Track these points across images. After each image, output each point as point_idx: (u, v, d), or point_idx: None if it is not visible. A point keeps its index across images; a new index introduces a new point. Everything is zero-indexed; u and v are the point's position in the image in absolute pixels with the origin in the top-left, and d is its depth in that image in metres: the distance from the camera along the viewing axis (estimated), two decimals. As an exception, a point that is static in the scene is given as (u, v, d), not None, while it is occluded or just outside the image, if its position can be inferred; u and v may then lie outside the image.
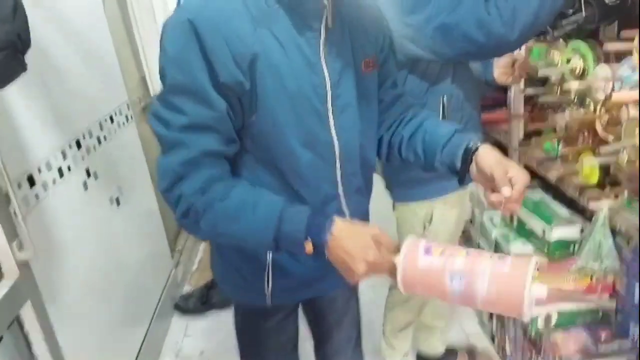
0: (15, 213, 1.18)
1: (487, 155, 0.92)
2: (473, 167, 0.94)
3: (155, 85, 2.81)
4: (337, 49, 0.93)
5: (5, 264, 1.16)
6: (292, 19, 0.87)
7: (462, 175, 0.97)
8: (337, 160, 0.99)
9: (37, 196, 1.37)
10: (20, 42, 0.87)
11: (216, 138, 0.86)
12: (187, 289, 2.67)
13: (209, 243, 1.20)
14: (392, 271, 0.82)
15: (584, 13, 1.29)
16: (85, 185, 1.66)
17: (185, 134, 0.84)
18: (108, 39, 2.05)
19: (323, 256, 0.84)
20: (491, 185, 0.89)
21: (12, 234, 1.16)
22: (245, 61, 0.83)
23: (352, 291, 1.31)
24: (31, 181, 1.36)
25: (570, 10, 1.33)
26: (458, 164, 0.96)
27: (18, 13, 0.85)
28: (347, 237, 0.83)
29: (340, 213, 1.03)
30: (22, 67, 0.93)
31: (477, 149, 0.94)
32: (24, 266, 1.22)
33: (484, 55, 1.36)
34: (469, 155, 0.94)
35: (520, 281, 0.73)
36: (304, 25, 0.88)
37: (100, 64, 1.92)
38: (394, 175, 1.53)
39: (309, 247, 0.83)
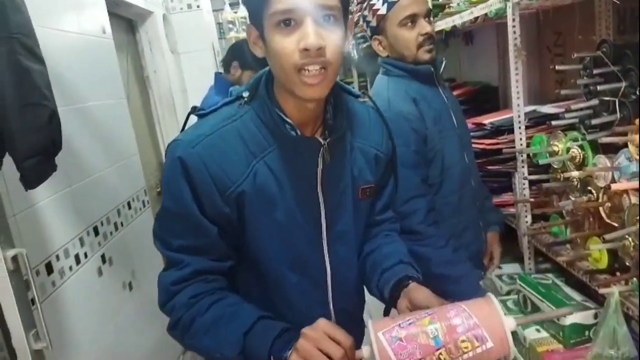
0: (33, 301, 1.21)
1: (419, 290, 0.90)
2: (402, 302, 0.91)
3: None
4: (335, 181, 0.96)
5: (21, 353, 1.18)
6: (289, 155, 0.91)
7: (391, 304, 0.96)
8: (329, 283, 1.02)
9: (53, 283, 1.41)
10: (53, 146, 0.95)
11: (208, 258, 0.91)
12: (195, 375, 2.60)
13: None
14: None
15: (618, 114, 1.28)
16: (99, 271, 1.69)
17: (180, 254, 0.90)
18: (131, 132, 2.17)
19: None
20: None
21: (30, 324, 1.18)
22: (231, 197, 0.88)
23: None
24: (49, 268, 1.40)
25: (604, 113, 1.33)
26: (387, 294, 0.96)
27: (54, 120, 0.94)
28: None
29: None
30: (53, 168, 1.00)
31: (408, 284, 0.93)
32: (38, 355, 1.23)
33: None
34: (400, 286, 0.93)
35: (499, 330, 0.73)
36: (301, 162, 0.92)
37: (122, 155, 2.02)
38: None
39: None
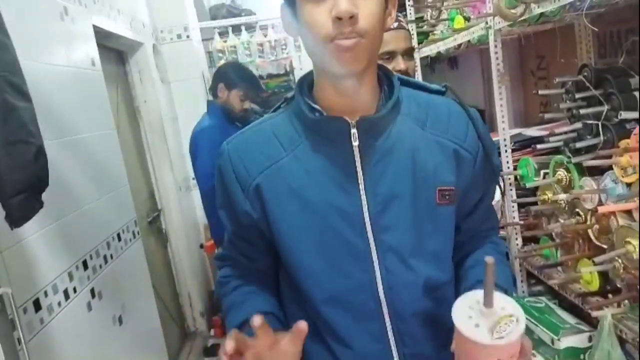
0: (19, 341, 1.18)
1: None
2: None
3: (164, 201, 2.91)
4: (384, 172, 0.82)
5: (5, 395, 1.15)
6: (320, 144, 0.83)
7: None
8: (386, 313, 0.83)
9: (41, 320, 1.38)
10: (39, 183, 0.94)
11: (235, 251, 0.96)
12: (188, 409, 2.54)
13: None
14: None
15: (602, 137, 1.29)
16: (89, 305, 1.67)
17: (224, 237, 0.97)
18: (121, 163, 2.16)
19: None
20: None
21: (15, 365, 1.16)
22: (250, 190, 0.84)
23: None
24: (37, 305, 1.38)
25: (588, 136, 1.35)
26: None
27: (40, 157, 0.94)
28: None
29: None
30: (40, 205, 0.99)
31: None
32: (23, 397, 1.20)
33: None
34: None
35: None
36: (332, 149, 0.82)
37: (111, 187, 2.01)
38: None
39: None
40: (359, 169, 0.81)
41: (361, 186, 0.81)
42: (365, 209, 0.81)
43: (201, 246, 3.30)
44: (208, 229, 2.92)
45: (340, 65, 0.75)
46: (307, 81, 0.87)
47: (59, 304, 1.48)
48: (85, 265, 1.68)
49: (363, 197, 0.81)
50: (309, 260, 0.83)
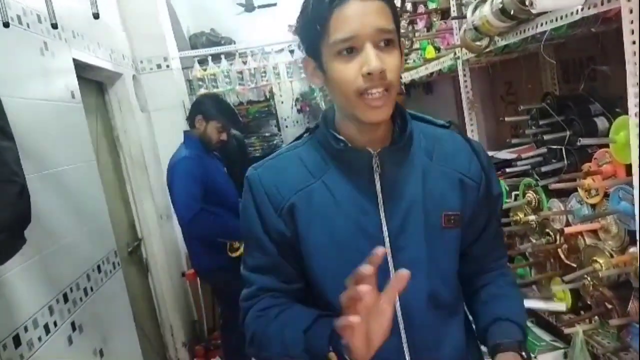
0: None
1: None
2: None
3: (144, 230, 2.90)
4: (399, 199, 0.91)
5: None
6: (345, 172, 0.91)
7: None
8: (401, 324, 0.91)
9: (21, 356, 1.37)
10: (23, 221, 0.96)
11: (274, 278, 0.95)
12: None
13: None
14: None
15: (566, 161, 1.37)
16: (70, 339, 1.65)
17: (250, 272, 0.97)
18: (100, 194, 2.17)
19: None
20: None
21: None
22: (283, 211, 0.91)
23: None
24: (17, 341, 1.36)
25: (553, 160, 1.41)
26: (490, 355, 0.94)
27: (23, 195, 0.95)
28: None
29: None
30: (23, 242, 1.00)
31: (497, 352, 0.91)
32: None
33: None
34: (494, 351, 0.92)
35: None
36: (356, 177, 0.91)
37: (91, 218, 2.01)
38: None
39: (333, 356, 0.81)
40: (379, 194, 0.91)
41: (381, 210, 0.90)
42: (385, 230, 0.90)
43: (183, 274, 3.29)
44: (189, 258, 2.91)
45: (370, 118, 0.85)
46: (330, 115, 0.95)
47: (39, 338, 1.47)
48: (65, 298, 1.67)
49: (383, 220, 0.90)
50: (335, 278, 0.86)
